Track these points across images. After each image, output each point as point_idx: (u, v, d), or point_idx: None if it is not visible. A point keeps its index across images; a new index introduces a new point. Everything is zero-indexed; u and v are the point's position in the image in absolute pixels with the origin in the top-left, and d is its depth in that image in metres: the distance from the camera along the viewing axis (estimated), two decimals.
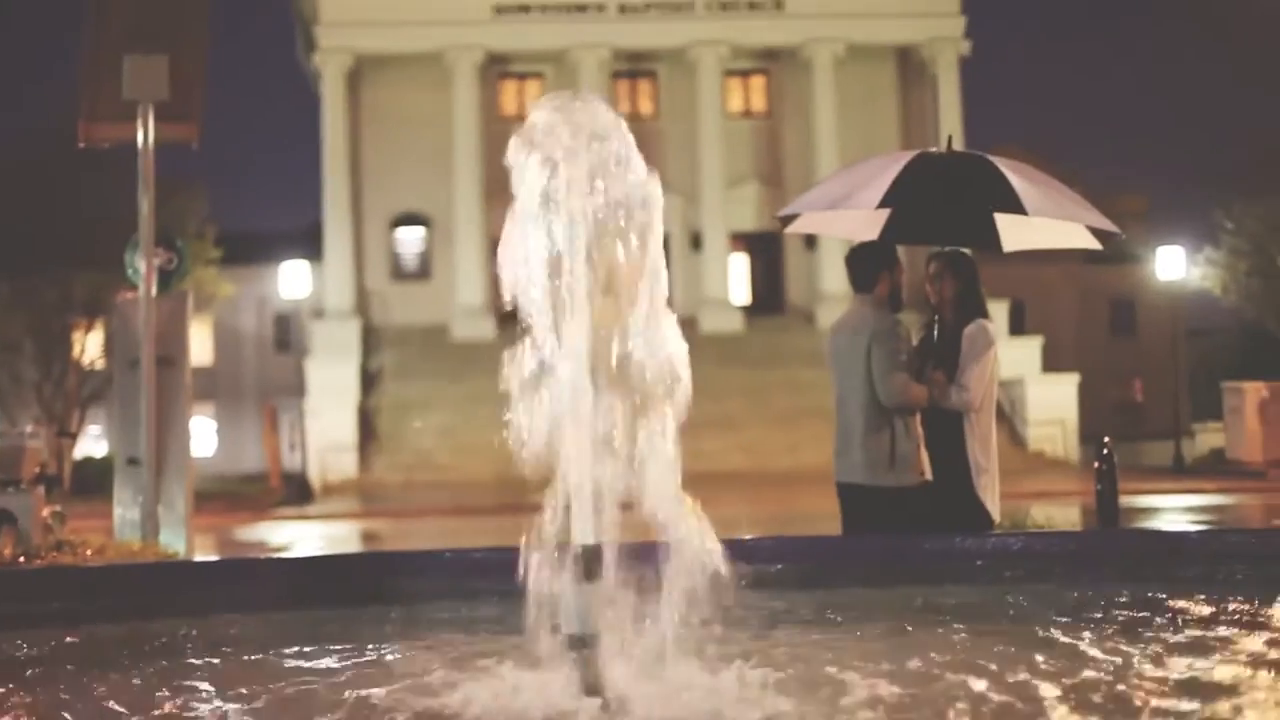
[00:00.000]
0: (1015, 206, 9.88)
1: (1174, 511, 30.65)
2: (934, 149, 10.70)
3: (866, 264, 10.12)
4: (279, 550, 27.55)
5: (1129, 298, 70.01)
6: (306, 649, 7.36)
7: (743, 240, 58.39)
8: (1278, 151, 41.19)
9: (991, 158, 10.33)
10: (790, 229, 11.28)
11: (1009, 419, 49.43)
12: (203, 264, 45.25)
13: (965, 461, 10.08)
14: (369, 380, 52.67)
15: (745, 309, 58.09)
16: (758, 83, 61.03)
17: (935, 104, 58.26)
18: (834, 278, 53.65)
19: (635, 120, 58.84)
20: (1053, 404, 50.20)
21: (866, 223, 10.70)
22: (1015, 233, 10.70)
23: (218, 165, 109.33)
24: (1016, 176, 9.99)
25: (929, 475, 9.95)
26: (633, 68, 59.80)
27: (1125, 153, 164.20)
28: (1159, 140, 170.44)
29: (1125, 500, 29.61)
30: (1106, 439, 15.09)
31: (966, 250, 10.65)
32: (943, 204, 10.44)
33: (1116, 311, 72.22)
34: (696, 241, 58.14)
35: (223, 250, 47.70)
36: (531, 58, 58.96)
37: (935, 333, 10.40)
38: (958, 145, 44.92)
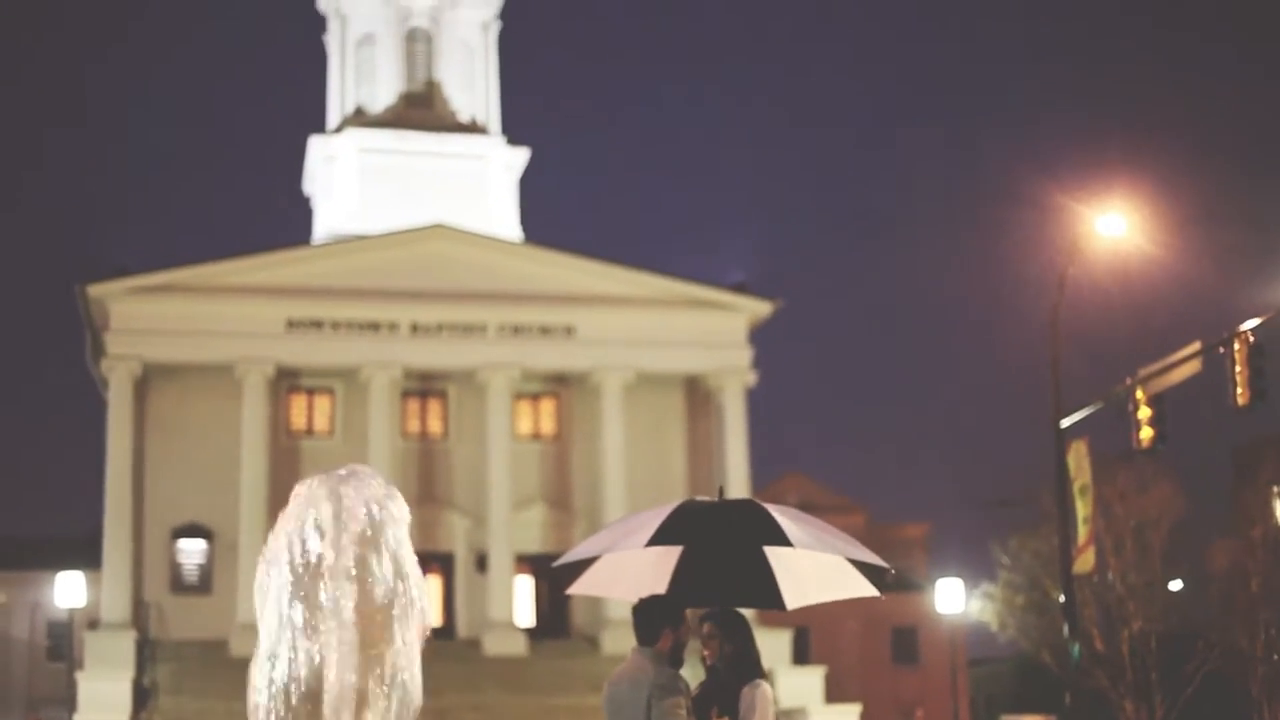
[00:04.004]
0: (780, 540, 10.26)
1: None
2: (702, 497, 11.09)
3: (651, 617, 10.15)
4: None
5: (911, 626, 70.64)
6: None
7: (528, 562, 57.78)
8: (1048, 485, 42.07)
9: (761, 502, 10.77)
10: (571, 590, 11.41)
11: None
12: None
13: None
14: (143, 695, 51.19)
15: (529, 632, 57.53)
16: (547, 406, 61.41)
17: (722, 431, 59.05)
18: (618, 603, 53.42)
19: (424, 439, 58.60)
20: None
21: (650, 580, 10.82)
22: (797, 590, 11.05)
23: None
24: (782, 516, 10.43)
25: None
26: (423, 386, 59.84)
27: (910, 480, 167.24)
28: (943, 468, 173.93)
29: None
30: None
31: (740, 609, 10.88)
32: (711, 539, 10.75)
33: (899, 639, 72.71)
34: (482, 563, 57.81)
35: None
36: (323, 373, 58.93)
37: (712, 690, 10.52)
38: (743, 472, 44.92)
